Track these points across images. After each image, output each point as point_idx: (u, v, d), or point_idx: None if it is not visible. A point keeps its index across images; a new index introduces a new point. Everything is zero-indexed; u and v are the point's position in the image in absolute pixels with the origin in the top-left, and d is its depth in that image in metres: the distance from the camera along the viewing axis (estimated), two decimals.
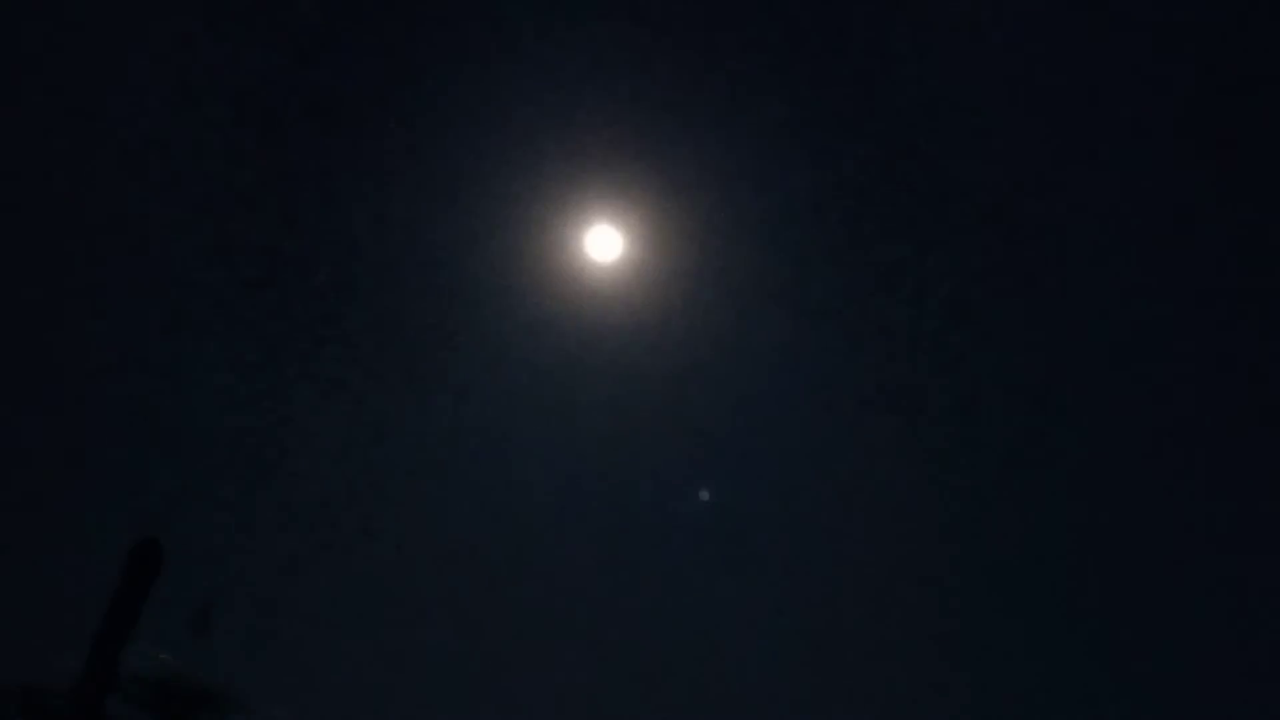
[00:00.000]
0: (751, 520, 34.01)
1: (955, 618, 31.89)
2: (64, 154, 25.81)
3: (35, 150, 25.25)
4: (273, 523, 29.74)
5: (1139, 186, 28.84)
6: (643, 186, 26.23)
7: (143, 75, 25.75)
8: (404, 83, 27.34)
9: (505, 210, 26.78)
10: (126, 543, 8.97)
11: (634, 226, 26.25)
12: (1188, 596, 29.84)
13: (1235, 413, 30.10)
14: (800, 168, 29.08)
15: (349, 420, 30.33)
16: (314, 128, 27.43)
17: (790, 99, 28.30)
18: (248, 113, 26.31)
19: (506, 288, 27.10)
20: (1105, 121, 28.56)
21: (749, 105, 28.11)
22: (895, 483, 32.84)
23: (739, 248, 28.77)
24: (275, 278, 28.41)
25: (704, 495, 29.75)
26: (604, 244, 26.26)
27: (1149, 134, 28.22)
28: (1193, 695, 27.85)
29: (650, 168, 26.54)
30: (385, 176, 27.61)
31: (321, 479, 30.83)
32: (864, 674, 30.72)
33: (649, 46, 26.92)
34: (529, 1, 26.90)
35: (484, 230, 27.25)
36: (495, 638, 31.12)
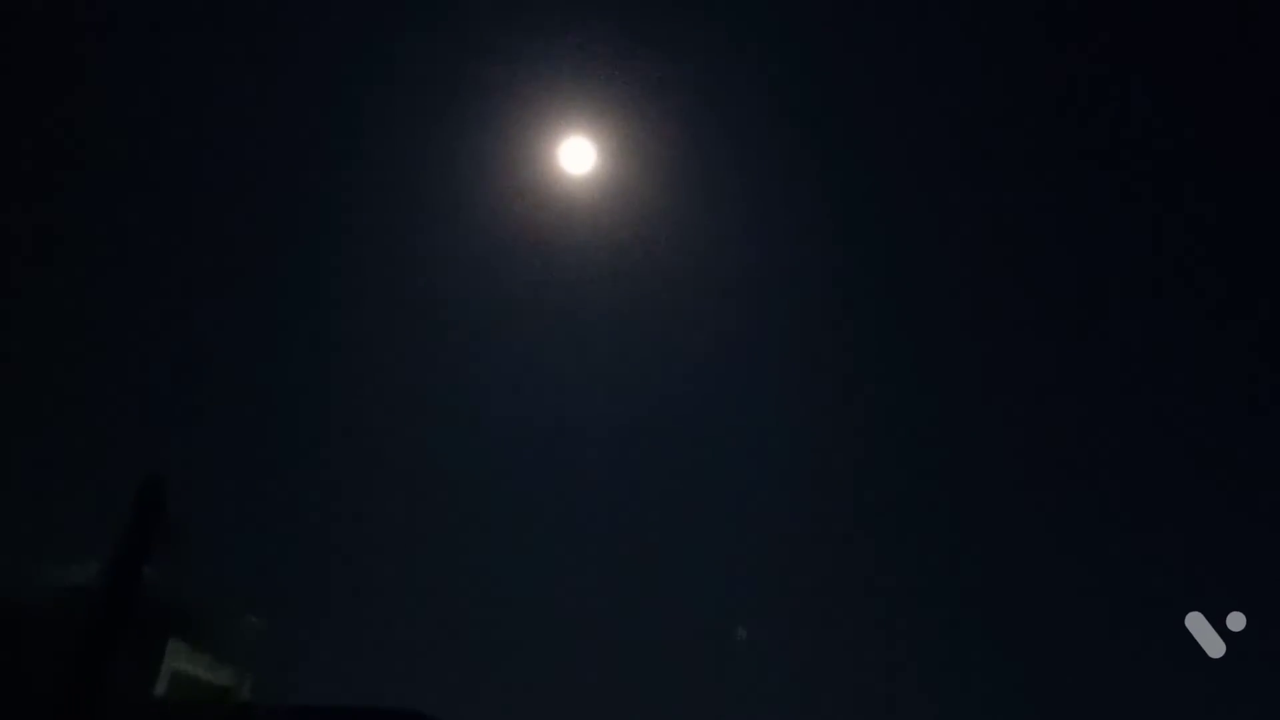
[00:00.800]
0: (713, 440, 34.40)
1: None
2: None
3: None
4: (265, 455, 29.66)
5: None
6: (617, 98, 25.68)
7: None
8: None
9: (477, 124, 26.10)
10: (131, 479, 9.04)
11: (608, 139, 25.79)
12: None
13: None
14: (780, 75, 28.64)
15: (329, 352, 29.97)
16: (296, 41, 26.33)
17: (769, 7, 27.68)
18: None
19: (479, 202, 26.60)
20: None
21: (727, 13, 27.46)
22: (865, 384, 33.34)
23: (715, 162, 28.46)
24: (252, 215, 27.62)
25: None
26: (578, 156, 25.84)
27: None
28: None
29: (624, 80, 25.94)
30: (356, 86, 26.61)
31: (302, 422, 30.64)
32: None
33: None
34: None
35: (455, 144, 26.56)
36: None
